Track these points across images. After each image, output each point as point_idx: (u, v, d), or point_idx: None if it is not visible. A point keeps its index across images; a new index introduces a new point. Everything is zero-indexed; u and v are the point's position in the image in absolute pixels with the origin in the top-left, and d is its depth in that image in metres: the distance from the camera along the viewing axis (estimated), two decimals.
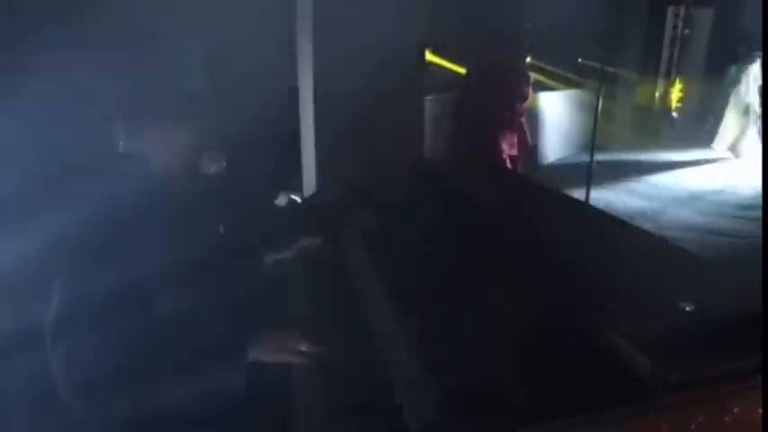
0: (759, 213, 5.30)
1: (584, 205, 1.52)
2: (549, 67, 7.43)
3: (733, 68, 7.79)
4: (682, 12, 9.09)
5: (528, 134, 4.01)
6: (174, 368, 1.09)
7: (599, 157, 6.63)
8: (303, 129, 3.99)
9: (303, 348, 1.17)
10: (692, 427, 0.83)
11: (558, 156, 7.82)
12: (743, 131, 7.67)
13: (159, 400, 1.06)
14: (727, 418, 0.84)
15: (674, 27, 9.22)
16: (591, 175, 3.39)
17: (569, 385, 0.84)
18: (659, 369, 0.80)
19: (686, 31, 9.17)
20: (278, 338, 1.20)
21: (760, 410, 0.81)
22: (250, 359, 1.13)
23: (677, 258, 1.15)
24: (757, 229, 4.87)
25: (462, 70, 4.80)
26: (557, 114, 7.62)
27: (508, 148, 3.89)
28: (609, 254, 1.14)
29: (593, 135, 3.33)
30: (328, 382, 1.12)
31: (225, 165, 1.34)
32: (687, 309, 0.86)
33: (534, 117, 6.56)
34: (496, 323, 1.04)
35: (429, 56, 5.34)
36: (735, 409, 0.84)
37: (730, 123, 7.77)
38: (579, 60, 8.21)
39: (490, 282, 1.14)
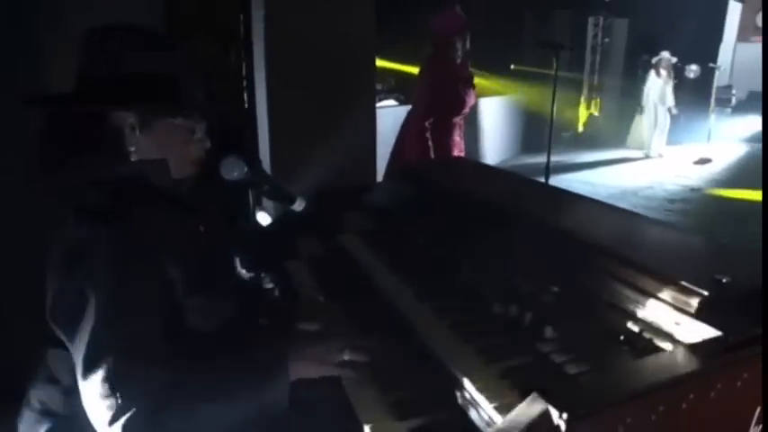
0: (686, 206, 5.81)
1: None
2: (484, 73, 7.71)
3: (639, 73, 8.49)
4: (601, 21, 9.78)
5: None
6: (213, 393, 1.01)
7: (535, 159, 7.12)
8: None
9: (347, 358, 1.13)
10: (739, 384, 0.93)
11: (496, 159, 8.15)
12: (653, 130, 8.35)
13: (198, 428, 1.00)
14: None
15: (595, 36, 9.91)
16: (549, 173, 3.59)
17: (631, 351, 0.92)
18: (712, 335, 0.89)
19: (606, 40, 9.87)
20: (319, 351, 1.13)
21: None
22: (292, 378, 1.07)
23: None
24: (685, 220, 5.32)
25: (415, 70, 4.89)
26: (492, 119, 7.95)
27: (458, 152, 4.02)
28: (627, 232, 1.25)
29: (550, 135, 3.53)
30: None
31: (246, 170, 1.33)
32: (723, 280, 0.96)
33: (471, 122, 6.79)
34: (545, 304, 1.10)
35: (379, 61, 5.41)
36: None
37: (643, 123, 8.45)
38: (512, 67, 8.62)
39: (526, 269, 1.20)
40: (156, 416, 0.95)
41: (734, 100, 9.28)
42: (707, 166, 7.69)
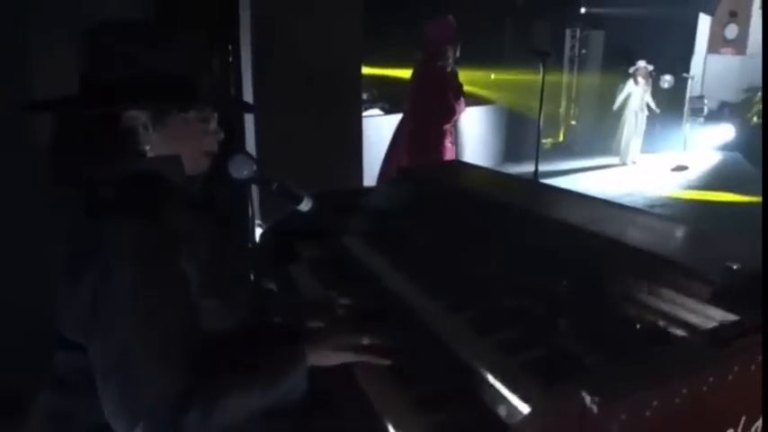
0: (665, 212, 5.95)
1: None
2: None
3: (620, 83, 8.72)
4: (578, 34, 10.03)
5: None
6: (232, 388, 1.00)
7: (517, 168, 7.22)
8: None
9: (366, 342, 1.13)
10: (753, 367, 0.95)
11: None
12: (633, 138, 8.56)
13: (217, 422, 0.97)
14: None
15: (572, 47, 10.15)
16: (537, 179, 3.65)
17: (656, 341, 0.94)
18: (729, 320, 0.92)
19: (583, 51, 10.11)
20: (335, 339, 1.13)
21: None
22: (309, 364, 1.06)
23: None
24: None
25: (399, 74, 4.93)
26: (473, 128, 8.04)
27: (449, 158, 4.05)
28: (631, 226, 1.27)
29: (538, 141, 3.59)
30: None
31: (255, 168, 1.33)
32: (735, 267, 0.99)
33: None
34: (567, 301, 1.12)
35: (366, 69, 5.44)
36: None
37: (623, 132, 8.65)
38: (492, 77, 8.76)
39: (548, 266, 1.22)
40: (177, 417, 0.93)
41: (706, 109, 9.54)
42: (684, 173, 7.90)
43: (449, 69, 3.58)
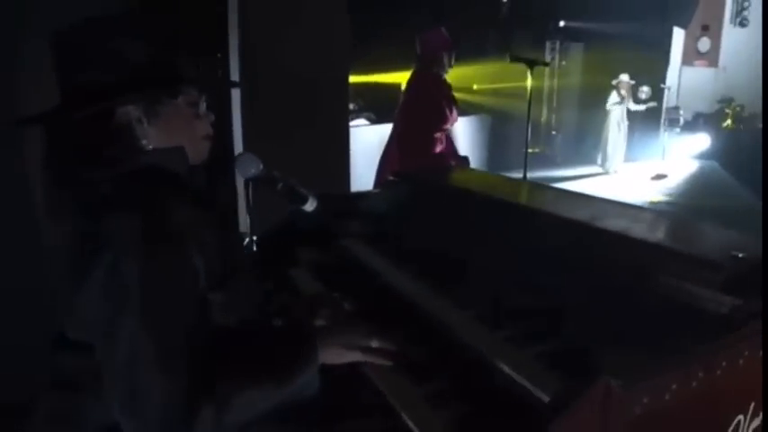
0: None
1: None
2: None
3: (600, 94, 8.92)
4: (557, 46, 10.24)
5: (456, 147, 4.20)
6: (244, 386, 0.98)
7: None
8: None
9: (375, 344, 1.13)
10: (760, 353, 0.98)
11: None
12: (615, 148, 8.74)
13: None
14: None
15: (552, 59, 10.34)
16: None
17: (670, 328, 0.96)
18: (738, 305, 0.95)
19: (563, 63, 10.32)
20: (346, 337, 1.13)
21: None
22: (320, 362, 1.06)
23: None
24: None
25: (393, 79, 4.94)
26: (458, 138, 8.13)
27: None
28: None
29: (526, 149, 3.64)
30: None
31: (262, 167, 1.33)
32: (740, 255, 1.01)
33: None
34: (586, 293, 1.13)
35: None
36: None
37: (606, 142, 8.83)
38: (475, 87, 8.88)
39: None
40: (189, 416, 0.91)
41: (682, 120, 9.78)
42: (663, 181, 8.08)
43: (444, 76, 3.61)
